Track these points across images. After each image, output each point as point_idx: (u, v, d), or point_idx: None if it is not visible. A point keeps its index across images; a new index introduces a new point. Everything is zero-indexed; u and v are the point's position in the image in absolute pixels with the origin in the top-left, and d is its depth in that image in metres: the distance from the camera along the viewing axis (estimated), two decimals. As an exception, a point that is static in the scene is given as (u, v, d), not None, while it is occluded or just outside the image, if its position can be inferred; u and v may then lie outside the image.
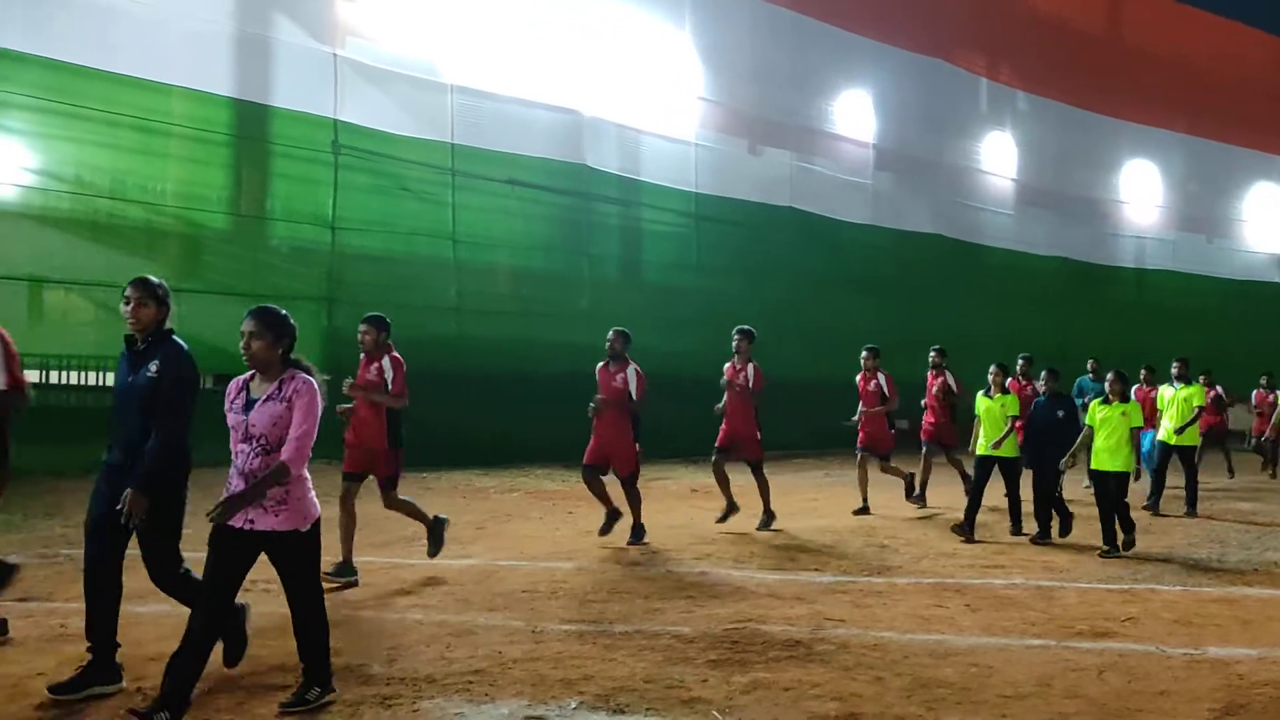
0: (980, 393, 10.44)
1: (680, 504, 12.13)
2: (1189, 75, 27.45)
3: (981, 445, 10.22)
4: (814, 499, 12.86)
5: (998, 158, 25.01)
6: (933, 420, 12.24)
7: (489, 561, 8.35)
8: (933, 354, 12.48)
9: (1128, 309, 25.75)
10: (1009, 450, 10.13)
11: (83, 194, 12.59)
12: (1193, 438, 12.24)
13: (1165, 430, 12.23)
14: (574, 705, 4.86)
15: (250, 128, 14.01)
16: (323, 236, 14.25)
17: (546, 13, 16.93)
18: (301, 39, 14.26)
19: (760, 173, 20.51)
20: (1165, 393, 12.41)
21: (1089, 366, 14.54)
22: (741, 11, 19.82)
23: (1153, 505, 11.94)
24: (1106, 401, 9.50)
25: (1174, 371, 12.37)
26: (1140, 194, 27.57)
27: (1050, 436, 9.79)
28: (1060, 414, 9.87)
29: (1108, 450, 9.40)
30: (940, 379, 12.24)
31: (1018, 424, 10.21)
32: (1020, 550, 9.52)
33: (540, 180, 16.88)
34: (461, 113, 15.60)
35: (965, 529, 9.89)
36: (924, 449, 12.37)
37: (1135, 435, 9.75)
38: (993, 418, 10.12)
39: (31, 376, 13.38)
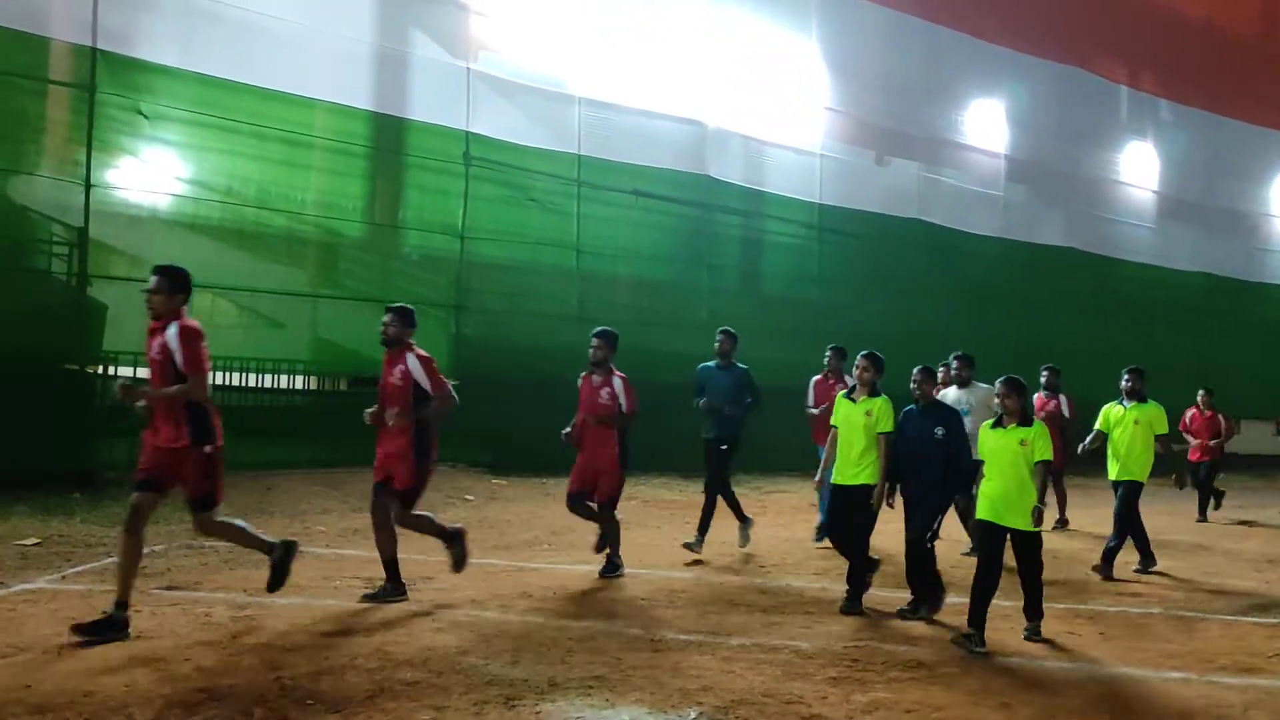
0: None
1: (799, 518, 12.02)
2: (1348, 82, 25.89)
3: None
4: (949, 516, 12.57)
5: (1138, 168, 24.02)
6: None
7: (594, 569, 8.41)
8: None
9: (1277, 326, 24.39)
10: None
11: (231, 203, 13.19)
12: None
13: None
14: (693, 715, 4.87)
15: (386, 140, 14.50)
16: (452, 245, 14.62)
17: (672, 24, 17.03)
18: (436, 53, 14.70)
19: (886, 184, 20.17)
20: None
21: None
22: (870, 20, 19.55)
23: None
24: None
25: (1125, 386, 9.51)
26: (1294, 207, 26.11)
27: (918, 464, 7.11)
28: (939, 431, 7.08)
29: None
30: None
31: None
32: (1156, 577, 9.12)
33: (664, 191, 16.96)
34: (588, 124, 15.82)
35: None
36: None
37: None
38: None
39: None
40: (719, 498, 9.35)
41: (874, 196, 19.72)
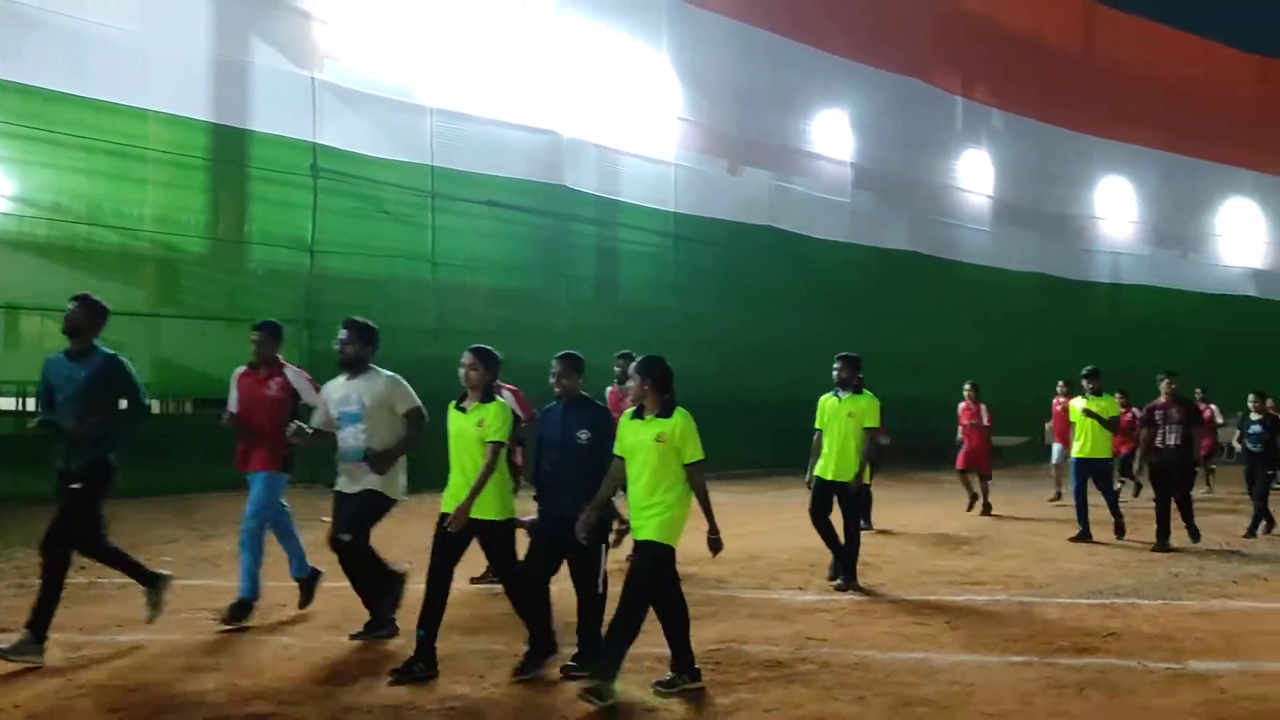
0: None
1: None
2: (1162, 92, 27.85)
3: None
4: (796, 517, 12.85)
5: (974, 175, 25.25)
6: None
7: (491, 588, 8.29)
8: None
9: (1103, 324, 25.96)
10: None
11: (59, 220, 12.51)
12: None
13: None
14: (556, 730, 4.83)
15: (228, 152, 14.00)
16: (301, 260, 14.22)
17: (524, 35, 17.00)
18: (279, 62, 14.28)
19: (739, 192, 20.63)
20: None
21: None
22: (720, 33, 19.96)
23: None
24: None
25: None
26: (1115, 210, 27.87)
27: (563, 471, 5.80)
28: (583, 436, 5.78)
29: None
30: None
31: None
32: (1002, 565, 9.55)
33: (519, 201, 16.91)
34: (440, 135, 15.64)
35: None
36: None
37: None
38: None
39: (8, 404, 13.30)
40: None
41: (727, 205, 20.14)
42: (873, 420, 8.34)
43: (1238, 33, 30.66)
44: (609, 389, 9.48)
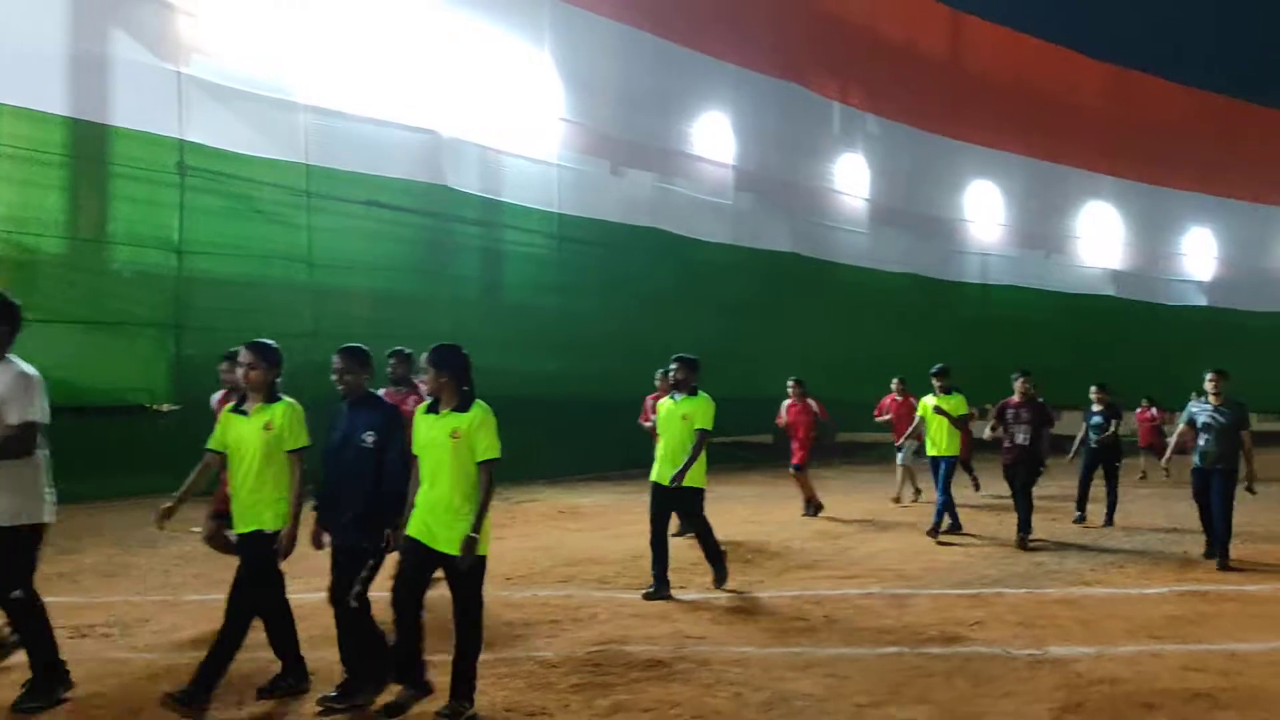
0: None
1: (545, 526, 12.07)
2: (1026, 99, 29.05)
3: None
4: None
5: (851, 178, 25.86)
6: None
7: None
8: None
9: (974, 323, 26.94)
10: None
11: (-103, 218, 11.76)
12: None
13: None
14: (433, 739, 4.76)
15: (88, 148, 13.32)
16: (168, 261, 13.66)
17: (402, 32, 16.68)
18: (142, 56, 13.66)
19: (622, 193, 20.68)
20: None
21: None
22: (602, 33, 19.97)
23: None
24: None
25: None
26: (984, 212, 28.92)
27: (347, 477, 5.25)
28: (369, 438, 5.19)
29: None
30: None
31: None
32: (874, 560, 9.82)
33: (399, 201, 16.58)
34: (315, 133, 15.21)
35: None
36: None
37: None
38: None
39: None
40: None
41: (611, 206, 20.16)
42: (705, 421, 7.99)
43: (1096, 43, 32.08)
44: (383, 390, 8.04)
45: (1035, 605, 7.72)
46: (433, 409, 5.20)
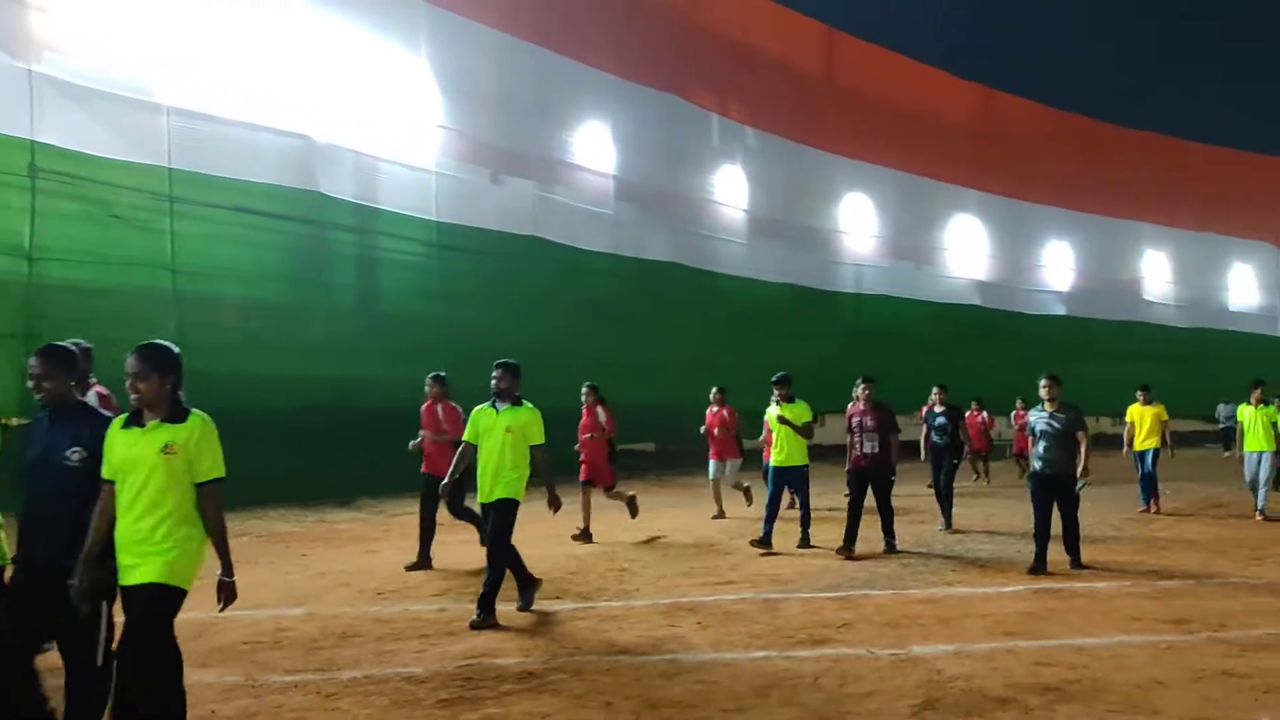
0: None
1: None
2: (897, 115, 30.06)
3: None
4: (562, 527, 12.92)
5: (730, 190, 26.27)
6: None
7: (208, 615, 7.80)
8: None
9: (850, 331, 27.65)
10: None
11: None
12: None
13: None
14: (291, 762, 4.61)
15: (-72, 148, 12.59)
16: (18, 267, 12.94)
17: (271, 33, 16.22)
18: (-11, 52, 12.97)
19: (503, 202, 20.53)
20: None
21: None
22: (479, 40, 19.82)
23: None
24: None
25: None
26: (857, 224, 29.74)
27: (48, 502, 4.46)
28: (74, 456, 4.46)
29: None
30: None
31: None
32: (750, 565, 9.95)
33: (270, 207, 16.08)
34: (179, 136, 14.63)
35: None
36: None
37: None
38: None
39: None
40: None
41: (491, 214, 20.00)
42: (537, 437, 7.58)
43: (963, 63, 33.50)
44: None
45: (900, 606, 7.94)
46: (135, 421, 4.42)
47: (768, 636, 6.93)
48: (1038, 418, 9.80)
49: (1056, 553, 9.68)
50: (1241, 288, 41.26)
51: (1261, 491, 13.48)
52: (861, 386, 10.77)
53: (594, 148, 22.58)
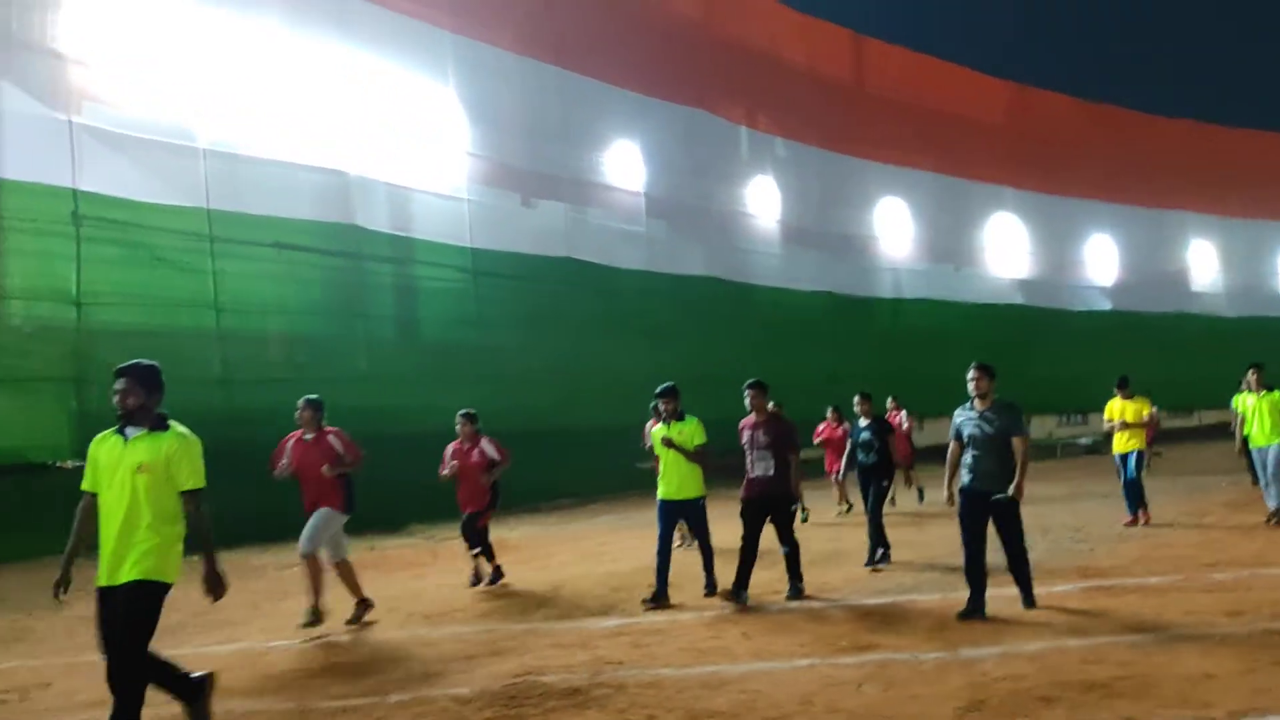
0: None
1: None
2: (928, 117, 29.91)
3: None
4: (604, 544, 12.99)
5: (762, 201, 26.27)
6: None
7: (260, 644, 7.96)
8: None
9: (887, 337, 27.46)
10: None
11: None
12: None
13: None
14: (340, 784, 4.68)
15: (-24, 203, 12.99)
16: (66, 313, 13.30)
17: (303, 72, 16.57)
18: (30, 106, 13.34)
19: (535, 225, 20.72)
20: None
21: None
22: (505, 66, 20.06)
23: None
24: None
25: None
26: (893, 229, 29.58)
27: None
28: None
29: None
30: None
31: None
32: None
33: (308, 243, 16.40)
34: (217, 177, 14.99)
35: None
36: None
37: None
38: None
39: None
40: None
41: (524, 238, 20.19)
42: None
43: (992, 60, 33.35)
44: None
45: (948, 610, 7.84)
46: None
47: (812, 645, 6.91)
48: (965, 418, 7.77)
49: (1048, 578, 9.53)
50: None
51: (1273, 490, 11.63)
52: (749, 394, 8.58)
53: (623, 166, 22.73)
